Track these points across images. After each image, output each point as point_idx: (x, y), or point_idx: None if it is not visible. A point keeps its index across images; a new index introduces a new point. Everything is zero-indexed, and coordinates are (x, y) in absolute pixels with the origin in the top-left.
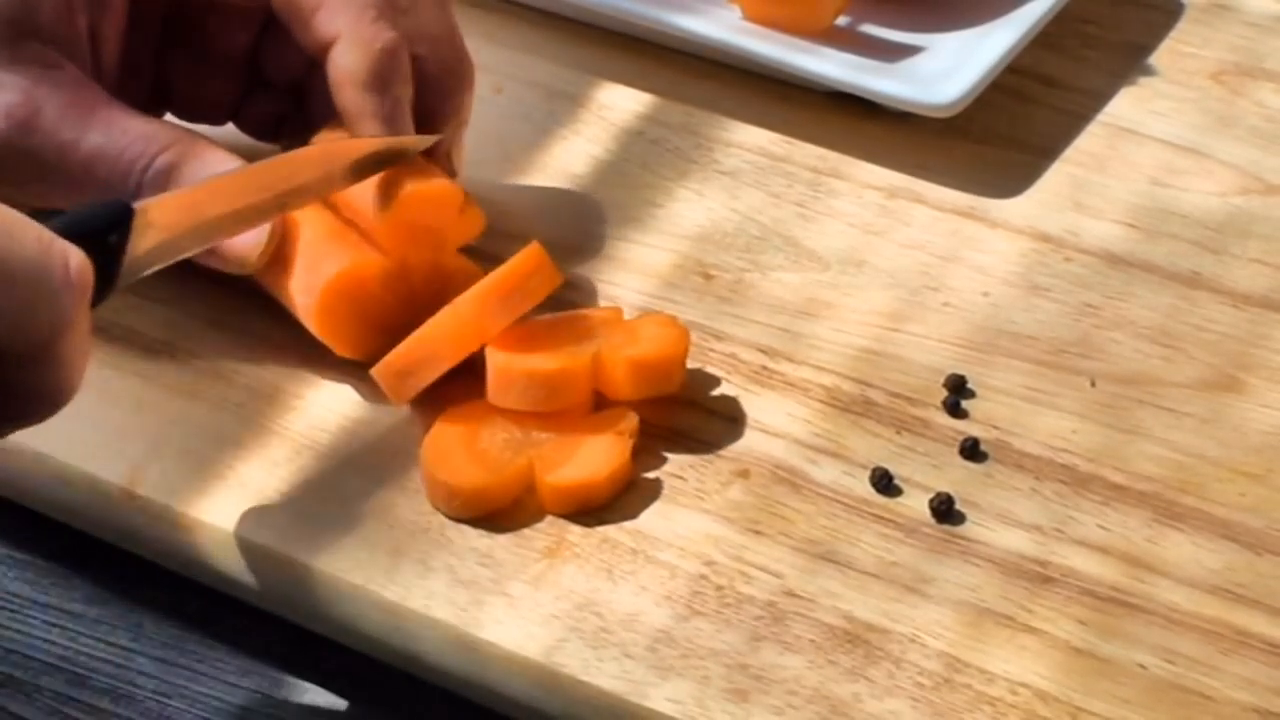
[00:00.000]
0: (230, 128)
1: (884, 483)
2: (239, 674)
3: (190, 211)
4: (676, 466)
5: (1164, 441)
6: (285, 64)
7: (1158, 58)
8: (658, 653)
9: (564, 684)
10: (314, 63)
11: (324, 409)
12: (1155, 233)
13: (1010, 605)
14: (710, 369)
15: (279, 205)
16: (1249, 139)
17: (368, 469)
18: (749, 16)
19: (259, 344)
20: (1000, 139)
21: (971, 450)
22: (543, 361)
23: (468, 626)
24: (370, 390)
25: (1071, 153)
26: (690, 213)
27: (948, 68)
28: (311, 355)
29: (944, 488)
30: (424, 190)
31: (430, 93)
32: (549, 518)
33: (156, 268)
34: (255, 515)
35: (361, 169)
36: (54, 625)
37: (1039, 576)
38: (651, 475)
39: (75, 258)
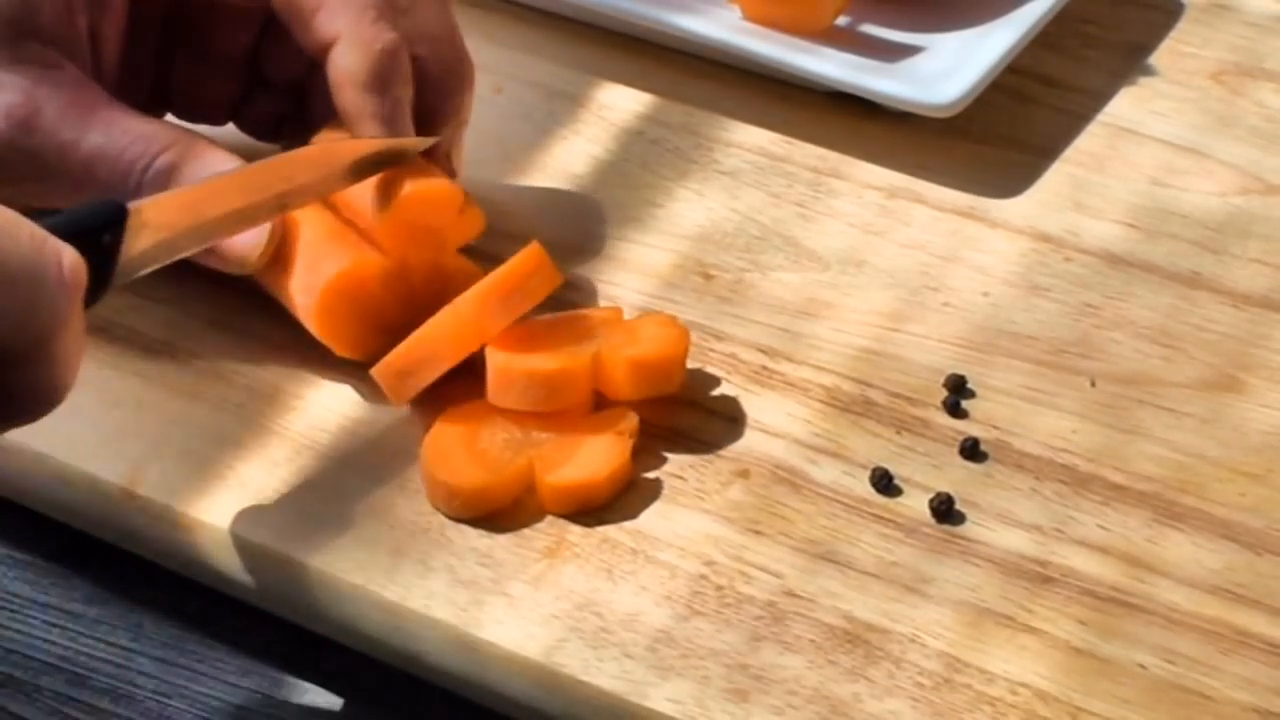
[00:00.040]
0: (230, 128)
1: (884, 483)
2: (239, 674)
3: (187, 212)
4: (676, 466)
5: (1164, 441)
6: (285, 64)
7: (1158, 58)
8: (658, 653)
9: (564, 684)
10: (314, 63)
11: (324, 409)
12: (1155, 233)
13: (1010, 605)
14: (710, 369)
15: (277, 206)
16: (1249, 139)
17: (368, 469)
18: (749, 16)
19: (259, 344)
20: (1000, 139)
21: (971, 450)
22: (543, 361)
23: (468, 626)
24: (370, 390)
25: (1071, 153)
26: (690, 213)
27: (948, 68)
28: (311, 355)
29: (944, 488)
30: (424, 190)
31: (430, 93)
32: (549, 518)
33: (153, 268)
34: (255, 515)
35: (361, 170)
36: (54, 625)
37: (1039, 576)
38: (651, 475)
39: (69, 256)
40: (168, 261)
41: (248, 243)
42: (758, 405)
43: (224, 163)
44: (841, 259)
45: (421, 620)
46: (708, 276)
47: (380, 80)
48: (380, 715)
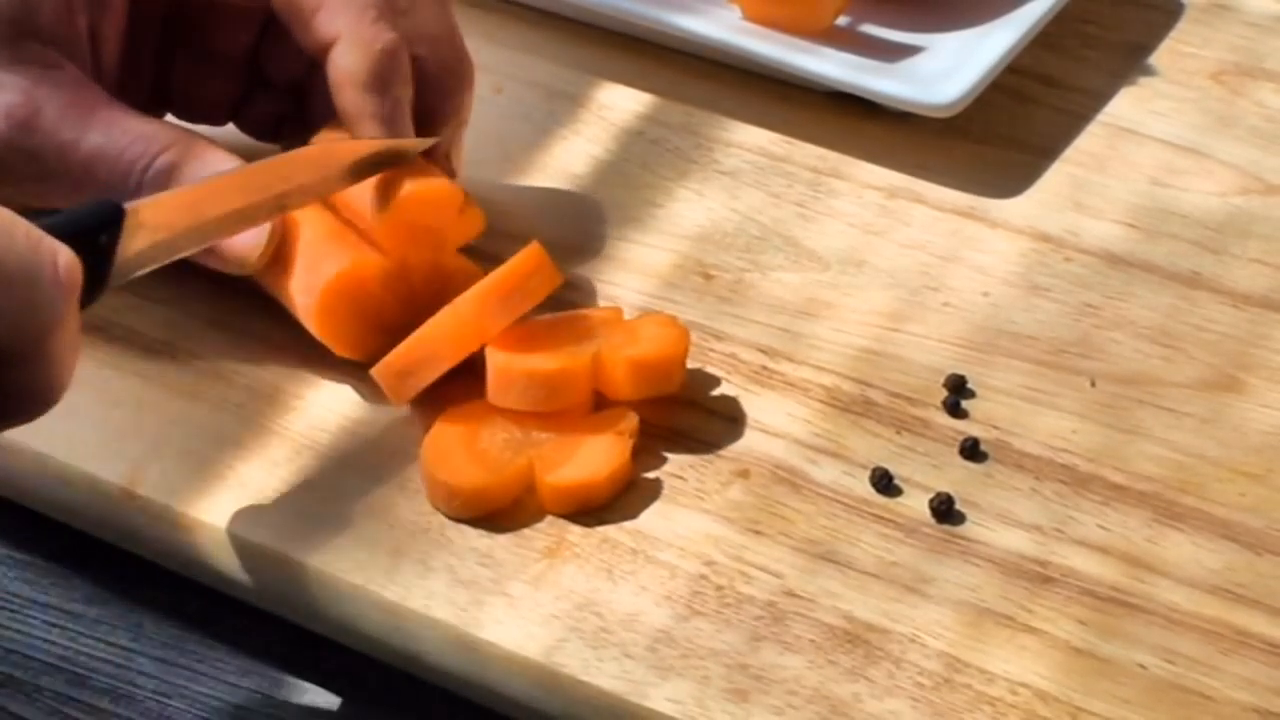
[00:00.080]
0: (230, 128)
1: (884, 483)
2: (239, 674)
3: (184, 212)
4: (676, 466)
5: (1164, 441)
6: (285, 64)
7: (1158, 58)
8: (658, 653)
9: (564, 684)
10: (314, 63)
11: (324, 409)
12: (1155, 233)
13: (1010, 605)
14: (710, 369)
15: (276, 206)
16: (1249, 139)
17: (368, 469)
18: (749, 16)
19: (259, 344)
20: (1000, 139)
21: (971, 450)
22: (543, 361)
23: (468, 626)
24: (370, 390)
25: (1071, 153)
26: (690, 213)
27: (948, 68)
28: (311, 355)
29: (944, 488)
30: (423, 190)
31: (430, 93)
32: (549, 518)
33: (150, 268)
34: (255, 515)
35: (360, 170)
36: (54, 625)
37: (1039, 576)
38: (651, 475)
39: (64, 256)
40: (165, 262)
41: (247, 243)
42: (758, 405)
43: (224, 163)
44: (841, 259)
45: (421, 620)
46: (708, 276)
47: (380, 80)
48: (380, 715)
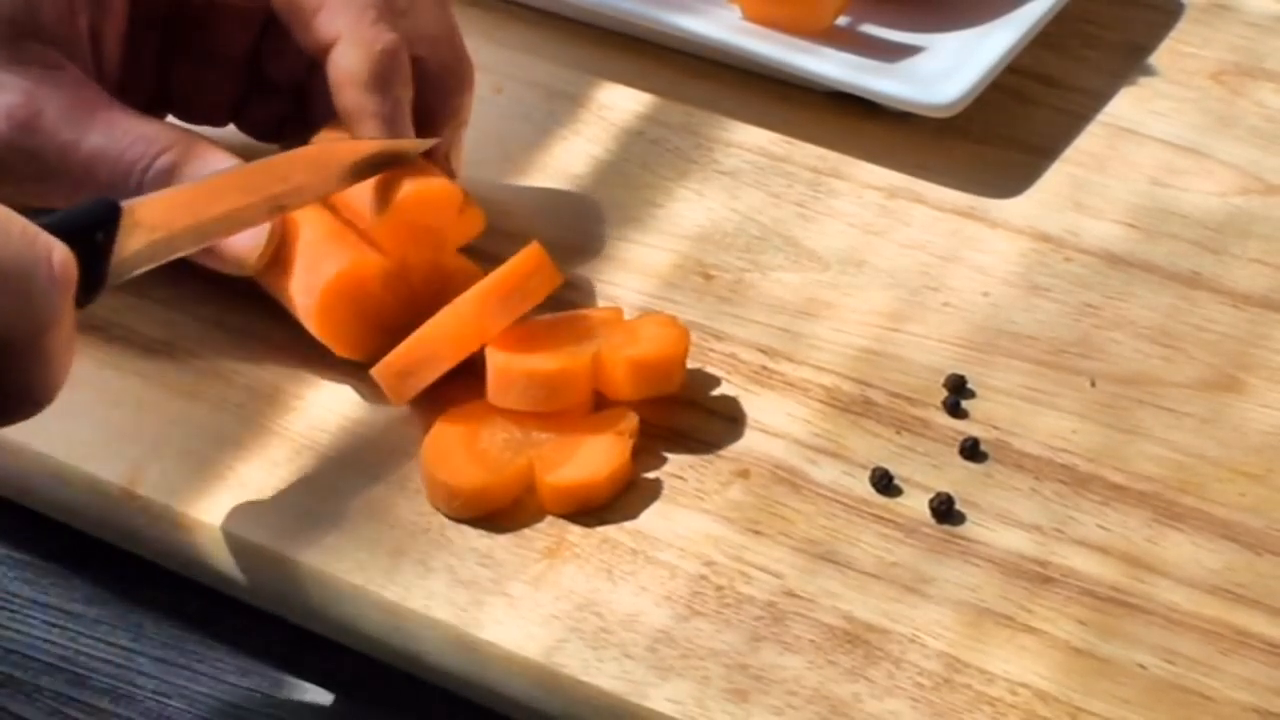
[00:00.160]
0: (231, 128)
1: (884, 483)
2: (239, 674)
3: (182, 211)
4: (676, 466)
5: (1164, 441)
6: (286, 65)
7: (1158, 58)
8: (658, 653)
9: (564, 684)
10: (314, 64)
11: (324, 409)
12: (1155, 233)
13: (1010, 605)
14: (710, 369)
15: (274, 206)
16: (1249, 139)
17: (368, 469)
18: (749, 16)
19: (259, 344)
20: (1000, 139)
21: (971, 450)
22: (543, 361)
23: (468, 626)
24: (370, 390)
25: (1071, 153)
26: (690, 213)
27: (948, 68)
28: (311, 355)
29: (944, 488)
30: (423, 190)
31: (430, 93)
32: (549, 518)
33: (148, 267)
34: (255, 515)
35: (360, 171)
36: (54, 625)
37: (1039, 576)
38: (651, 475)
39: (59, 253)
40: (163, 261)
41: (246, 244)
42: (758, 405)
43: (224, 163)
44: (841, 259)
45: (421, 620)
46: (708, 276)
47: (381, 80)
48: (380, 715)
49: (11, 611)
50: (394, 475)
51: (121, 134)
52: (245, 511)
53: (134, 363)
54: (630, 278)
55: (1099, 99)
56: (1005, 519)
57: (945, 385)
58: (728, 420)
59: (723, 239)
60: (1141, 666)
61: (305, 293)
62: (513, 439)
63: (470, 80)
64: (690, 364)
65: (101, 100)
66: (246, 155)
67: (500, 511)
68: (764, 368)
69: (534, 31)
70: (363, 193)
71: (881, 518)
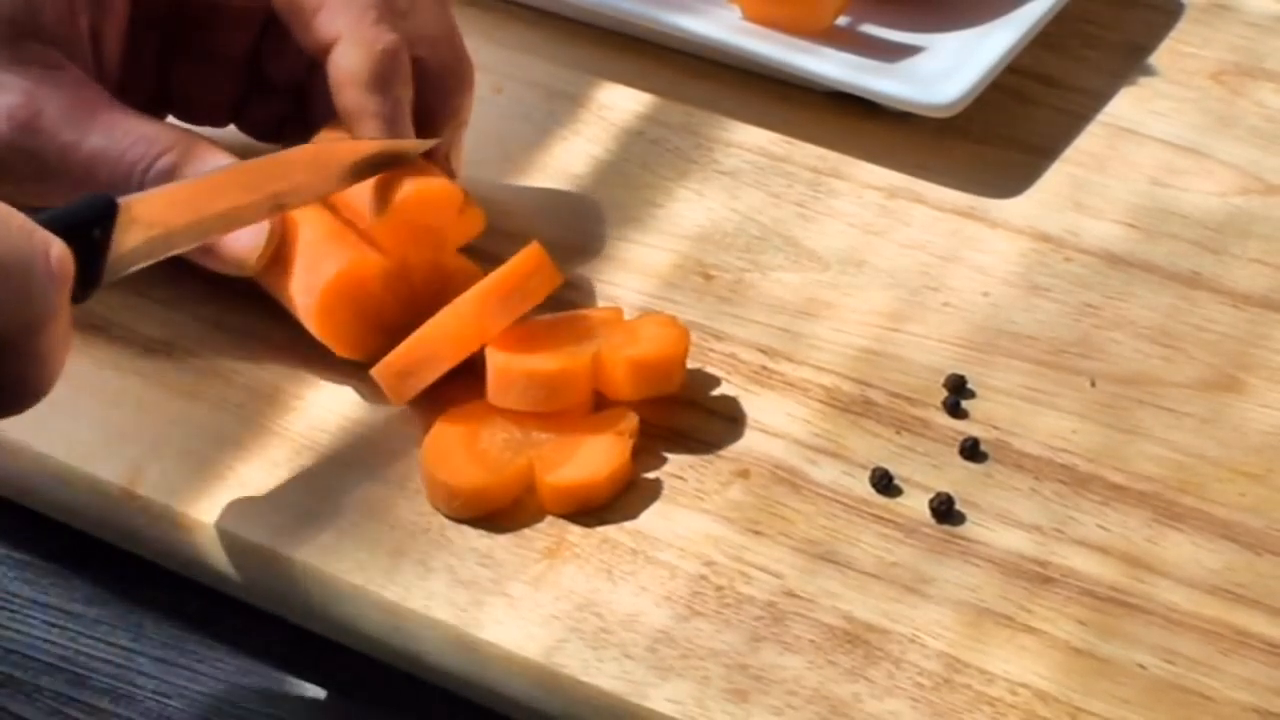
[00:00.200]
0: (231, 129)
1: (884, 483)
2: (239, 674)
3: (179, 208)
4: (676, 466)
5: (1164, 441)
6: (286, 65)
7: (1158, 58)
8: (658, 653)
9: (564, 684)
10: (314, 64)
11: (324, 409)
12: (1155, 233)
13: (1010, 605)
14: (710, 369)
15: (273, 205)
16: (1249, 139)
17: (368, 469)
18: (749, 16)
19: (259, 344)
20: (1000, 139)
21: (971, 450)
22: (543, 361)
23: (468, 627)
24: (370, 390)
25: (1071, 153)
26: (690, 213)
27: (948, 68)
28: (311, 355)
29: (944, 488)
30: (424, 190)
31: (430, 94)
32: (549, 518)
33: (145, 264)
34: (255, 515)
35: (360, 171)
36: (54, 625)
37: (1039, 576)
38: (651, 475)
39: (57, 248)
40: (161, 258)
41: (245, 245)
42: (758, 405)
43: (225, 164)
44: (841, 259)
45: (421, 620)
46: (708, 276)
47: (381, 80)
48: (380, 715)
49: (11, 611)
50: (394, 475)
51: (122, 134)
52: (245, 511)
53: (134, 363)
54: (630, 278)
55: (1099, 99)
56: (1005, 519)
57: (945, 385)
58: (728, 420)
59: (723, 239)
60: (1141, 666)
61: (305, 292)
62: (513, 439)
63: (470, 80)
64: (690, 364)
65: (102, 100)
66: (246, 155)
67: (500, 511)
68: (764, 368)
69: (534, 31)
70: (363, 192)
71: (881, 518)
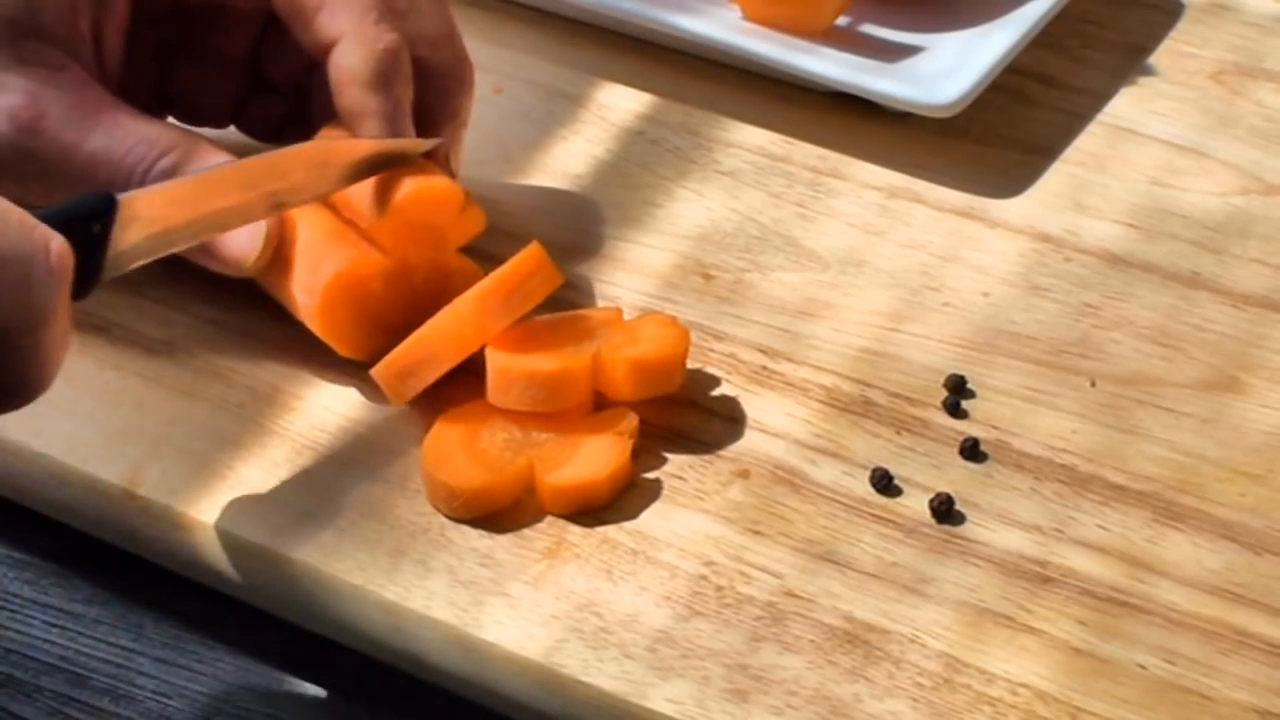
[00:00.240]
0: (231, 129)
1: (884, 483)
2: (239, 674)
3: (179, 206)
4: (676, 466)
5: (1164, 441)
6: (286, 65)
7: (1158, 58)
8: (658, 653)
9: (564, 684)
10: (314, 64)
11: (324, 409)
12: (1155, 233)
13: (1010, 605)
14: (710, 369)
15: (272, 203)
16: (1249, 139)
17: (368, 469)
18: (749, 16)
19: (259, 344)
20: (1000, 139)
21: (971, 450)
22: (543, 362)
23: (468, 627)
24: (370, 390)
25: (1071, 153)
26: (690, 213)
27: (948, 68)
28: (311, 355)
29: (944, 488)
30: (424, 189)
31: (429, 94)
32: (549, 518)
33: (144, 261)
34: (255, 515)
35: (360, 170)
36: (54, 625)
37: (1039, 576)
38: (651, 475)
39: (57, 243)
40: (161, 255)
41: (243, 246)
42: (758, 405)
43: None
44: (841, 259)
45: (421, 621)
46: (708, 276)
47: (382, 79)
48: (380, 715)
49: (11, 611)
50: (394, 475)
51: (123, 135)
52: (245, 511)
53: (134, 363)
54: (630, 278)
55: (1099, 99)
56: (1005, 519)
57: (945, 385)
58: (728, 420)
59: (723, 239)
60: (1141, 666)
61: (307, 292)
62: (513, 439)
63: (470, 81)
64: (690, 364)
65: (105, 101)
66: (246, 155)
67: (500, 512)
68: (764, 368)
69: (534, 31)
70: (363, 192)
71: (881, 518)
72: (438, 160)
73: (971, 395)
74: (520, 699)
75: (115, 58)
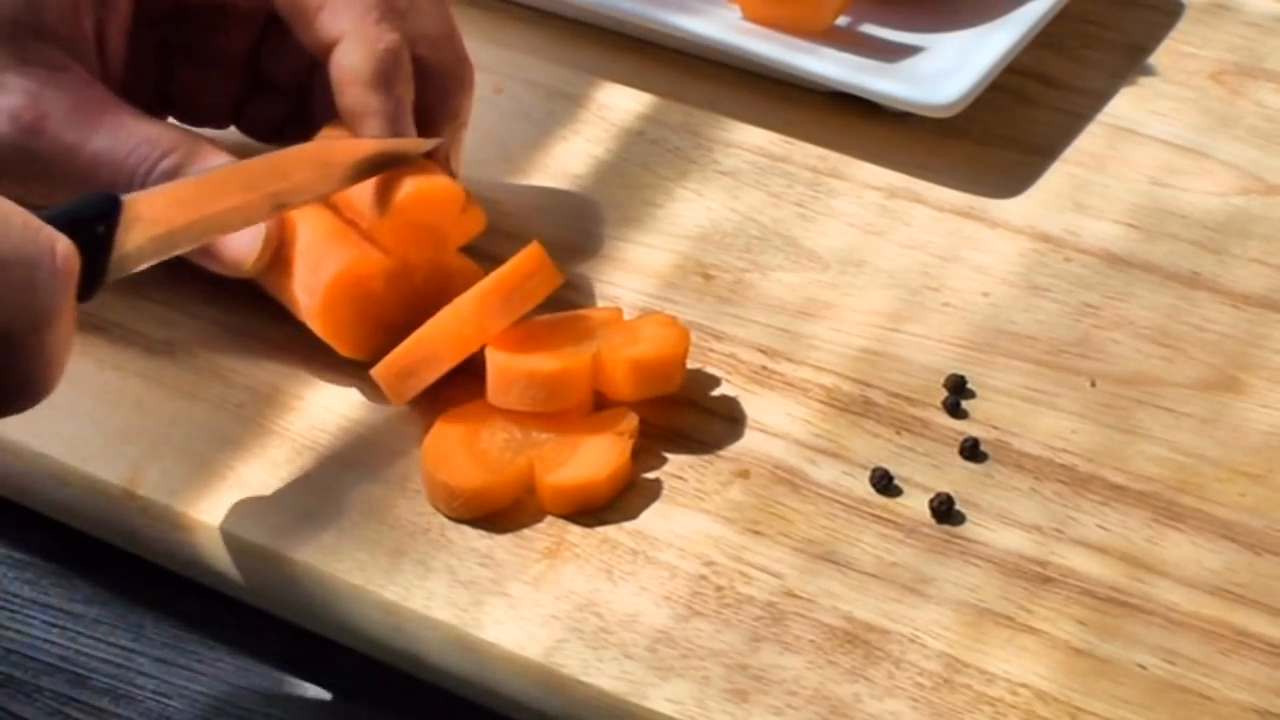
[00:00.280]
0: (232, 130)
1: (884, 483)
2: (239, 674)
3: (181, 206)
4: (676, 466)
5: (1164, 441)
6: (287, 65)
7: (1158, 58)
8: (658, 653)
9: (564, 684)
10: (315, 64)
11: (324, 409)
12: (1155, 233)
13: (1010, 605)
14: (710, 369)
15: (275, 204)
16: (1249, 139)
17: (368, 469)
18: (749, 16)
19: (259, 344)
20: (1000, 139)
21: (971, 450)
22: (543, 362)
23: (468, 627)
24: (370, 390)
25: (1071, 153)
26: (690, 213)
27: (948, 68)
28: (311, 355)
29: (944, 488)
30: (425, 189)
31: (429, 95)
32: (549, 518)
33: (149, 263)
34: (255, 515)
35: (361, 170)
36: (54, 625)
37: (1039, 576)
38: (651, 475)
39: (62, 245)
40: (164, 257)
41: (242, 247)
42: (758, 405)
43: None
44: (841, 259)
45: (421, 621)
46: (708, 276)
47: (384, 78)
48: (380, 715)
49: (11, 611)
50: (394, 475)
51: (126, 136)
52: (245, 512)
53: (134, 363)
54: (630, 278)
55: (1099, 99)
56: (1005, 519)
57: (945, 385)
58: (728, 420)
59: (723, 239)
60: (1141, 666)
61: (308, 292)
62: (513, 439)
63: (470, 82)
64: (690, 364)
65: (107, 101)
66: (247, 156)
67: (500, 512)
68: (764, 368)
69: (534, 31)
70: (364, 192)
71: (881, 518)
72: (438, 160)
73: (971, 395)
74: (520, 699)
75: (118, 58)
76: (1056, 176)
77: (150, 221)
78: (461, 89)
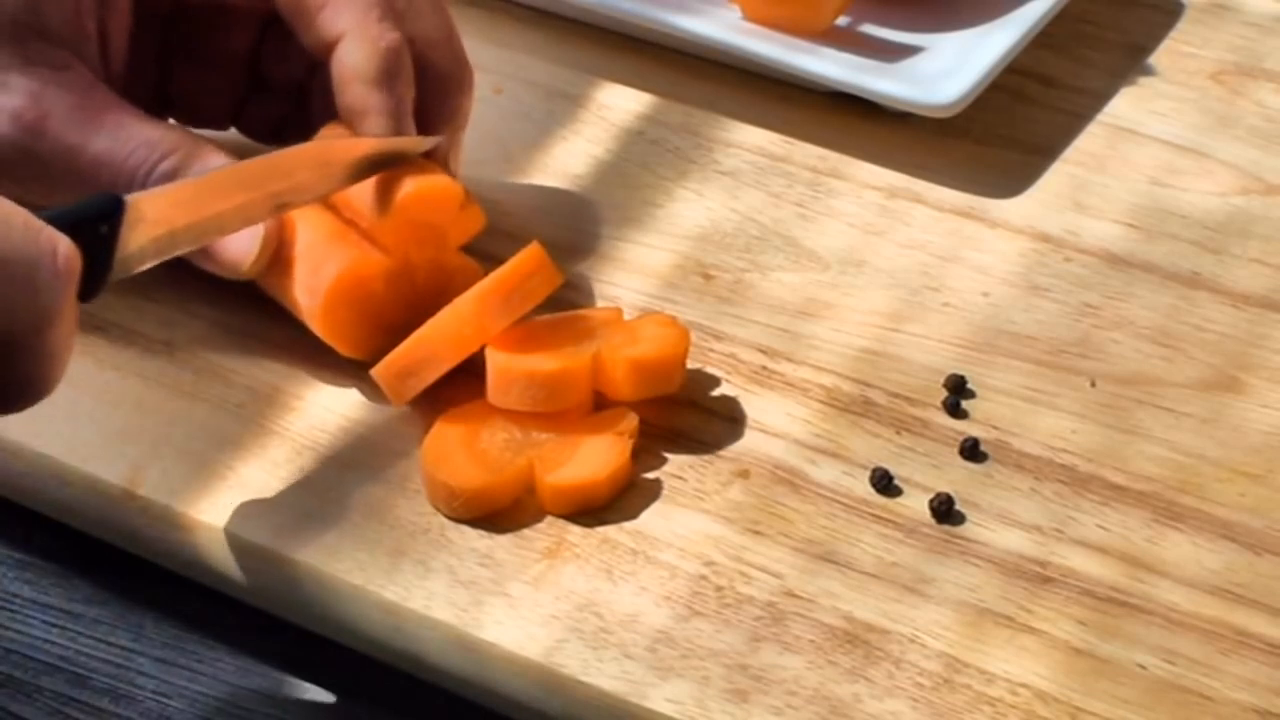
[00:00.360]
0: (232, 131)
1: (884, 483)
2: (239, 674)
3: (182, 207)
4: (676, 466)
5: (1164, 441)
6: (286, 65)
7: (1158, 58)
8: (658, 653)
9: (564, 684)
10: (315, 65)
11: (324, 409)
12: (1155, 233)
13: (1010, 605)
14: (710, 369)
15: (276, 203)
16: (1249, 139)
17: (368, 469)
18: (749, 16)
19: (259, 344)
20: (1000, 139)
21: (971, 450)
22: (543, 362)
23: (468, 627)
24: (371, 390)
25: (1071, 153)
26: (690, 213)
27: (948, 68)
28: (311, 355)
29: (944, 488)
30: (425, 188)
31: (428, 95)
32: (549, 518)
33: (151, 263)
34: (255, 515)
35: (361, 170)
36: (54, 625)
37: (1039, 576)
38: (651, 475)
39: (64, 246)
40: (166, 257)
41: (241, 249)
42: (758, 405)
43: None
44: (841, 259)
45: (421, 621)
46: (708, 276)
47: (386, 76)
48: (380, 715)
49: (11, 611)
50: (394, 475)
51: (126, 137)
52: (245, 512)
53: (134, 363)
54: (630, 278)
55: (1099, 99)
56: (1005, 519)
57: (945, 385)
58: (728, 420)
59: (723, 239)
60: (1141, 666)
61: (309, 293)
62: (513, 439)
63: (469, 82)
64: (690, 364)
65: (109, 102)
66: (247, 157)
67: (500, 512)
68: (764, 368)
69: (534, 31)
70: (364, 192)
71: (881, 518)
72: (437, 161)
73: (971, 395)
74: (520, 699)
75: (120, 58)
76: (1056, 176)
77: (152, 222)
78: (460, 90)
